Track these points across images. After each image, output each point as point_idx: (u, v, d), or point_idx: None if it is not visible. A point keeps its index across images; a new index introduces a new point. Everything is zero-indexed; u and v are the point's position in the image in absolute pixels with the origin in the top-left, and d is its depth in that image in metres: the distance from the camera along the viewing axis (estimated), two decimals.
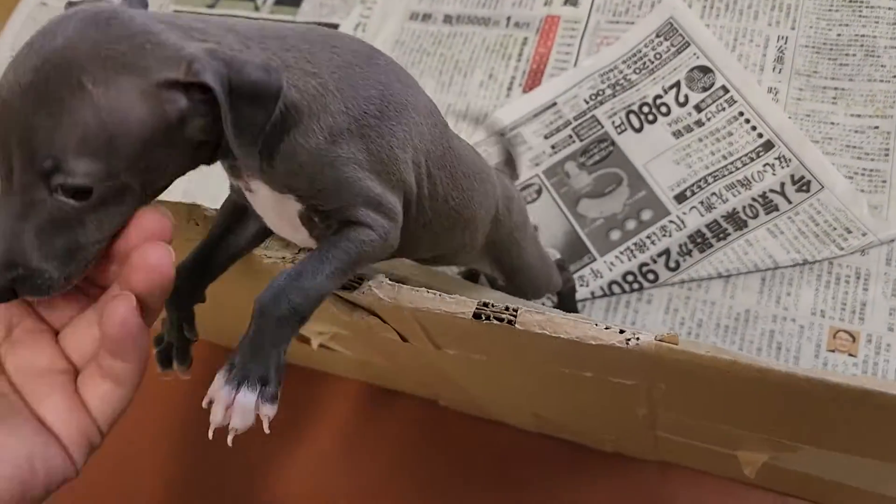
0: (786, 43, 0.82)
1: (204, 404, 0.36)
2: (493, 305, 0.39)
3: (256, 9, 1.01)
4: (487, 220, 0.52)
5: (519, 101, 0.85)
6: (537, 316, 0.38)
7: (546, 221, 0.78)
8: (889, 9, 0.81)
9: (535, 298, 0.64)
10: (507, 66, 0.89)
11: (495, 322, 0.39)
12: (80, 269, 0.35)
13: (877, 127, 0.75)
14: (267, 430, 0.35)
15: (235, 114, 0.32)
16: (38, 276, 0.34)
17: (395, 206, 0.39)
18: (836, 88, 0.78)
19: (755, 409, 0.43)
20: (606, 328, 0.37)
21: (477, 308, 0.39)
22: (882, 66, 0.78)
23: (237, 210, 0.43)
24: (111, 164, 0.32)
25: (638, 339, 0.37)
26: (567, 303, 0.73)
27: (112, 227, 0.35)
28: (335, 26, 0.95)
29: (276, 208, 0.39)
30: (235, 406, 0.35)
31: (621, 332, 0.37)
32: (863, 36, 0.80)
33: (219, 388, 0.35)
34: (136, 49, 0.32)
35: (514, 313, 0.38)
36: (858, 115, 0.76)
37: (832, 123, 0.77)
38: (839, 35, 0.81)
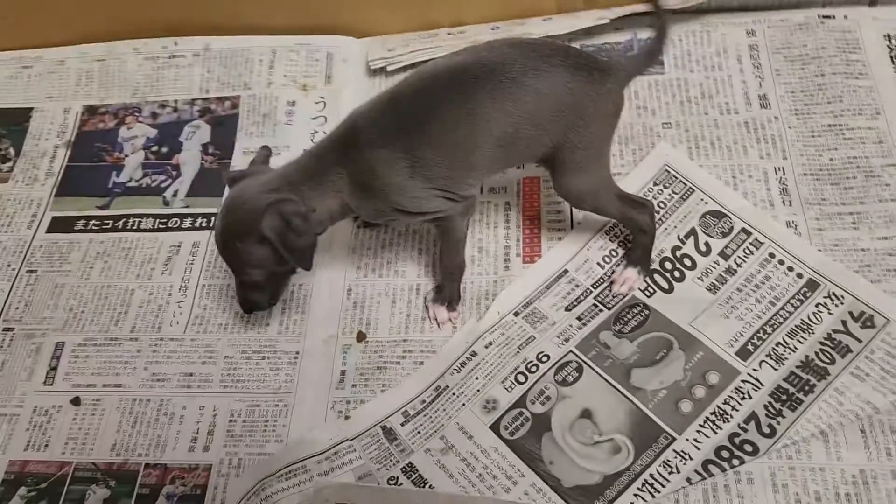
0: (784, 173, 0.79)
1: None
2: None
3: (166, 203, 0.88)
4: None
5: (523, 274, 0.76)
6: None
7: (599, 403, 0.67)
8: (869, 129, 0.80)
9: (577, 206, 0.73)
10: (495, 236, 0.80)
11: None
12: (277, 297, 0.74)
13: None
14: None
15: (286, 248, 0.65)
16: (258, 304, 0.73)
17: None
18: (851, 213, 0.75)
19: None
20: None
21: None
22: (887, 185, 0.76)
23: None
24: (265, 270, 0.69)
25: None
26: (637, 250, 0.73)
27: (282, 283, 0.74)
28: None
29: None
30: None
31: None
32: (855, 157, 0.79)
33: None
34: (241, 220, 0.66)
35: None
36: (885, 238, 0.73)
37: (863, 250, 0.73)
38: (832, 160, 0.79)
